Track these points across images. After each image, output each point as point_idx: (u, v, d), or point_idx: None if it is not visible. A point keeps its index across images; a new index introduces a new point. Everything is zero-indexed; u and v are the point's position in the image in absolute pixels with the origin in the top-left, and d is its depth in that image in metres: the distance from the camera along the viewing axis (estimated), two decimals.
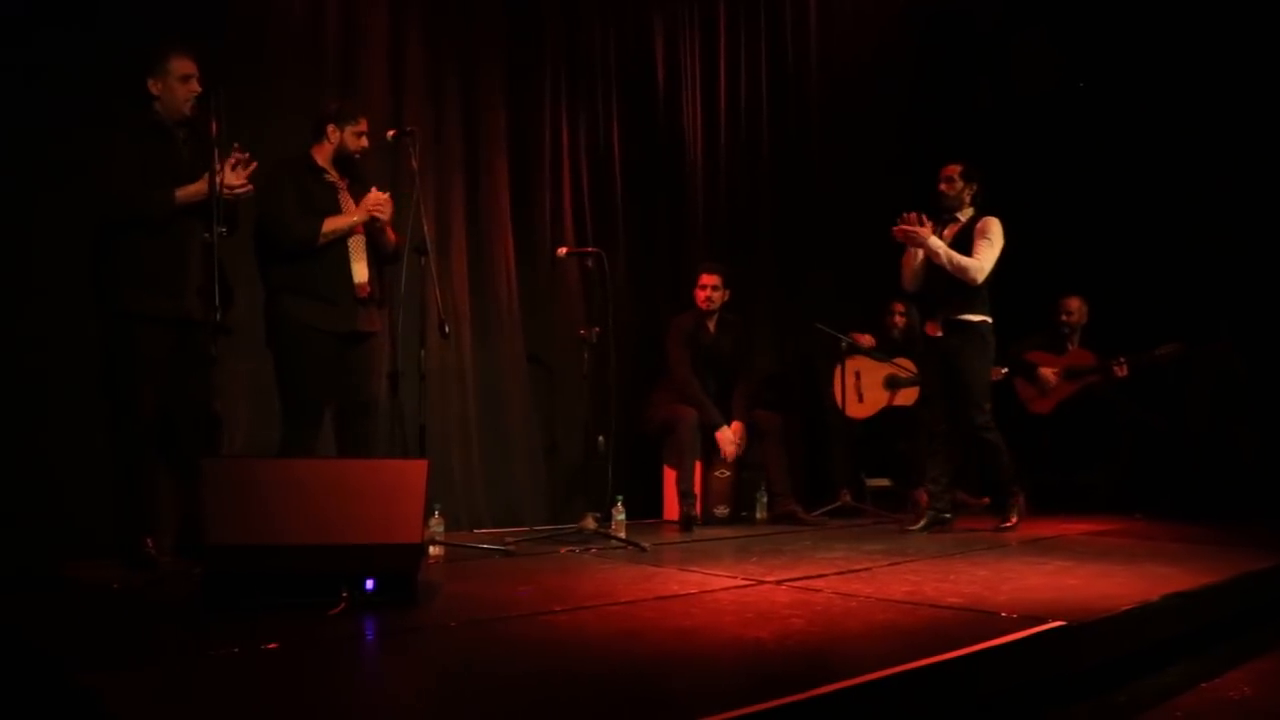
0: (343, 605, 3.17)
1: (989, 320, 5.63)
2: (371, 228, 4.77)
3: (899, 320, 7.32)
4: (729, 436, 6.29)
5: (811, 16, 8.15)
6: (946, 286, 5.59)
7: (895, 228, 5.57)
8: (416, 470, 3.34)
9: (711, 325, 6.50)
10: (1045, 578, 3.89)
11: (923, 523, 5.63)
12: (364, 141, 4.83)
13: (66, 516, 4.38)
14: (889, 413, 7.15)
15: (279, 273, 4.68)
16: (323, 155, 4.81)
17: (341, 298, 4.70)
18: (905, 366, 7.09)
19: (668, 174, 7.31)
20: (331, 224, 4.67)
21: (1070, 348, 7.15)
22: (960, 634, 2.82)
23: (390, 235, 4.85)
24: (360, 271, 4.76)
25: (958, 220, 5.71)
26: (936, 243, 5.53)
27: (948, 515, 5.68)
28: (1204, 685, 3.17)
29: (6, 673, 2.98)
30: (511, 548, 4.92)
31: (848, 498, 6.81)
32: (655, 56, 7.29)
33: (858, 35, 8.35)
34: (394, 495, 3.28)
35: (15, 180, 4.44)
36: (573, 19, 6.84)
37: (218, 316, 3.95)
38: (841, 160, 7.84)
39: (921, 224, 5.53)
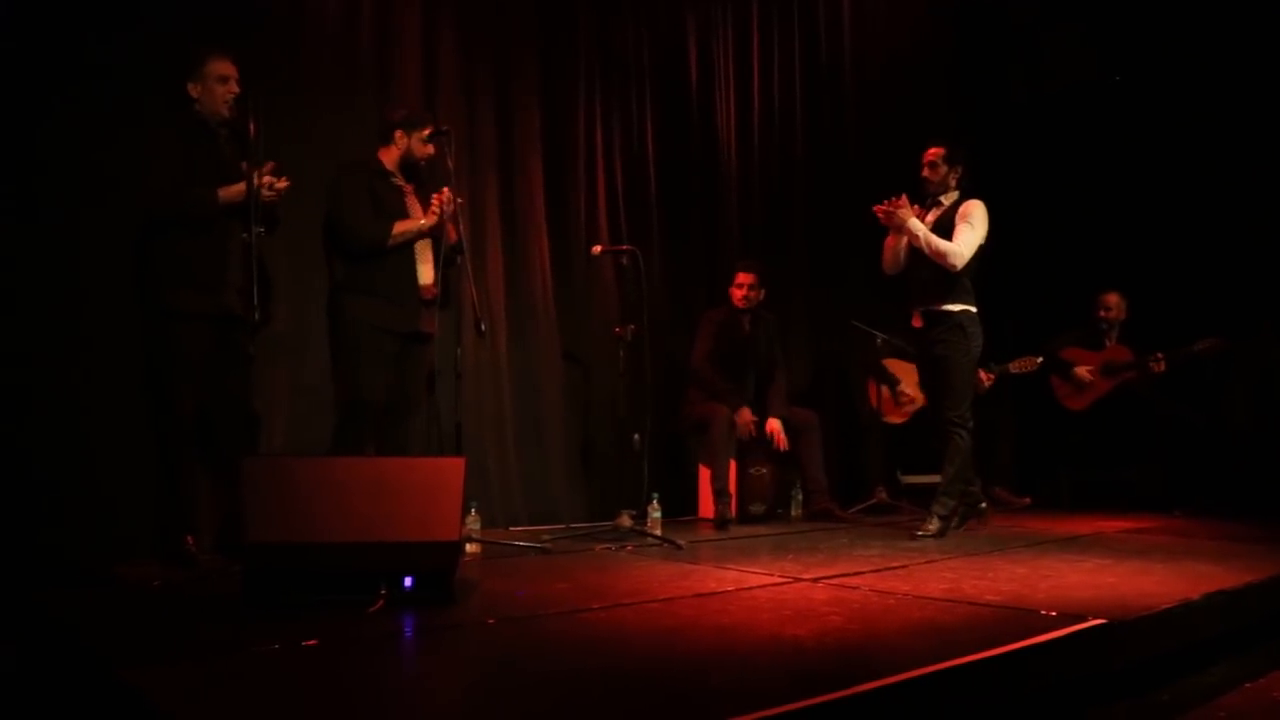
0: (381, 602, 3.19)
1: (971, 310, 5.33)
2: (437, 228, 4.81)
3: None
4: (749, 416, 6.28)
5: (845, 14, 8.12)
6: (928, 274, 5.32)
7: (876, 207, 5.30)
8: (454, 468, 3.36)
9: (746, 323, 6.49)
10: (1084, 575, 3.86)
11: (954, 521, 5.41)
12: (430, 148, 4.92)
13: (111, 516, 4.42)
14: (925, 411, 7.12)
15: (346, 272, 4.77)
16: (390, 159, 4.91)
17: (407, 298, 4.79)
18: None
19: (702, 173, 7.30)
20: (402, 227, 4.75)
21: (1108, 343, 7.09)
22: (1000, 632, 2.81)
23: (451, 233, 4.86)
24: (426, 273, 4.84)
25: (940, 204, 5.43)
26: (917, 224, 5.26)
27: (983, 505, 5.59)
28: (1248, 685, 3.15)
29: (56, 668, 3.02)
30: (547, 545, 4.93)
31: (883, 495, 6.79)
32: (689, 55, 7.29)
33: (891, 32, 8.33)
34: (432, 493, 3.29)
35: (59, 180, 4.48)
36: (606, 19, 6.85)
37: (256, 316, 4.00)
38: (876, 157, 7.80)
39: (905, 205, 5.27)
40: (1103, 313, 7.10)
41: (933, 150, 5.46)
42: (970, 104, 8.57)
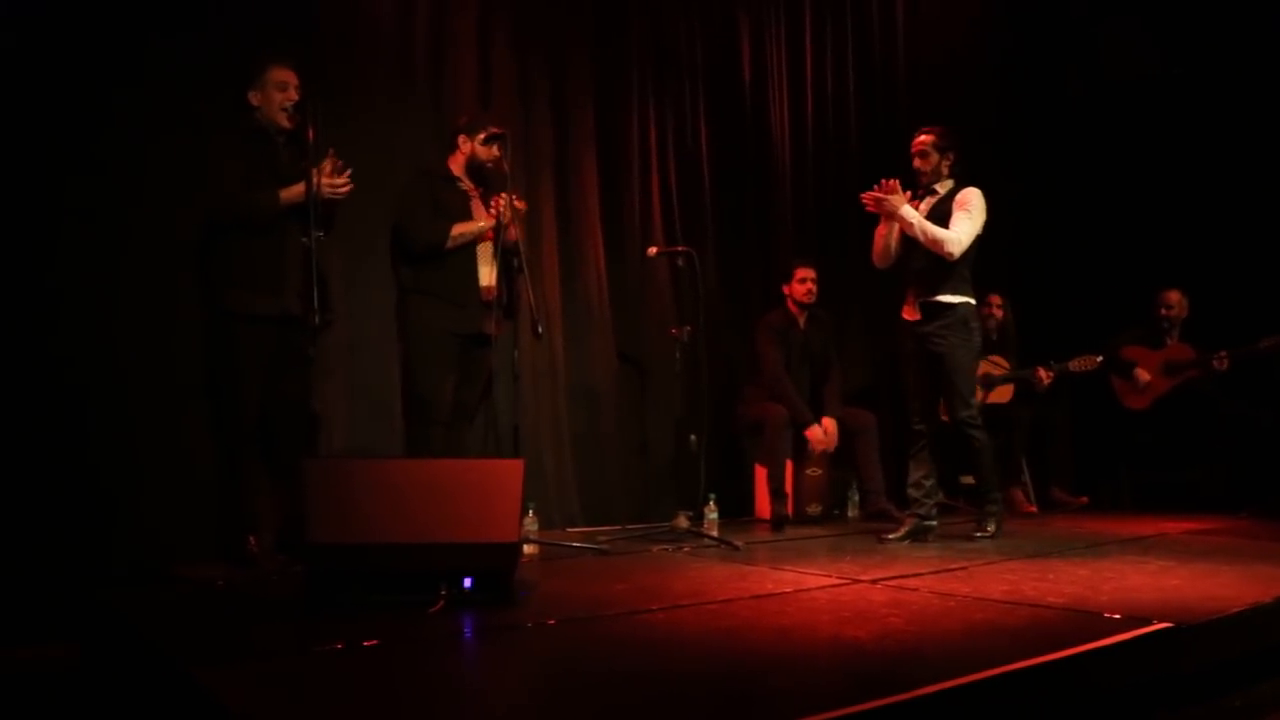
0: (441, 603, 3.21)
1: (971, 302, 5.06)
2: (498, 230, 4.84)
3: (996, 313, 7.21)
4: (819, 433, 6.25)
5: (898, 10, 8.07)
6: (923, 263, 5.05)
7: (864, 194, 5.05)
8: (513, 470, 3.37)
9: (802, 322, 6.48)
10: (1148, 578, 3.80)
11: (903, 531, 5.10)
12: (495, 151, 4.97)
13: (174, 516, 4.48)
14: (983, 410, 7.04)
15: (410, 275, 4.88)
16: (456, 165, 5.03)
17: (468, 300, 4.87)
18: (999, 363, 7.00)
19: (756, 171, 7.28)
20: (460, 229, 4.84)
21: (1169, 342, 7.00)
22: (1063, 634, 2.77)
23: (513, 234, 4.85)
24: (486, 275, 4.90)
25: (935, 193, 5.13)
26: (909, 212, 4.96)
27: (932, 523, 5.17)
28: None
29: (121, 665, 3.07)
30: (605, 546, 4.94)
31: (940, 495, 6.72)
32: (741, 54, 7.28)
33: (945, 27, 8.27)
34: (491, 495, 3.30)
35: (116, 181, 4.55)
36: (659, 17, 6.85)
37: (316, 319, 4.04)
38: None
39: (896, 191, 4.99)
40: (1164, 311, 7.00)
41: (922, 137, 5.17)
42: (1026, 99, 8.48)
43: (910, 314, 5.17)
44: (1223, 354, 6.64)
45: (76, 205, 4.44)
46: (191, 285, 4.51)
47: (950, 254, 4.93)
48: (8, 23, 4.31)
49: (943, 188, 5.15)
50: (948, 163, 5.14)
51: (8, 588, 3.95)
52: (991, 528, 5.14)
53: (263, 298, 4.34)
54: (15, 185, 4.33)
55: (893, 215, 5.05)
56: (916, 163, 5.16)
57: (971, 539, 5.08)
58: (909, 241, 5.10)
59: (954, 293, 5.02)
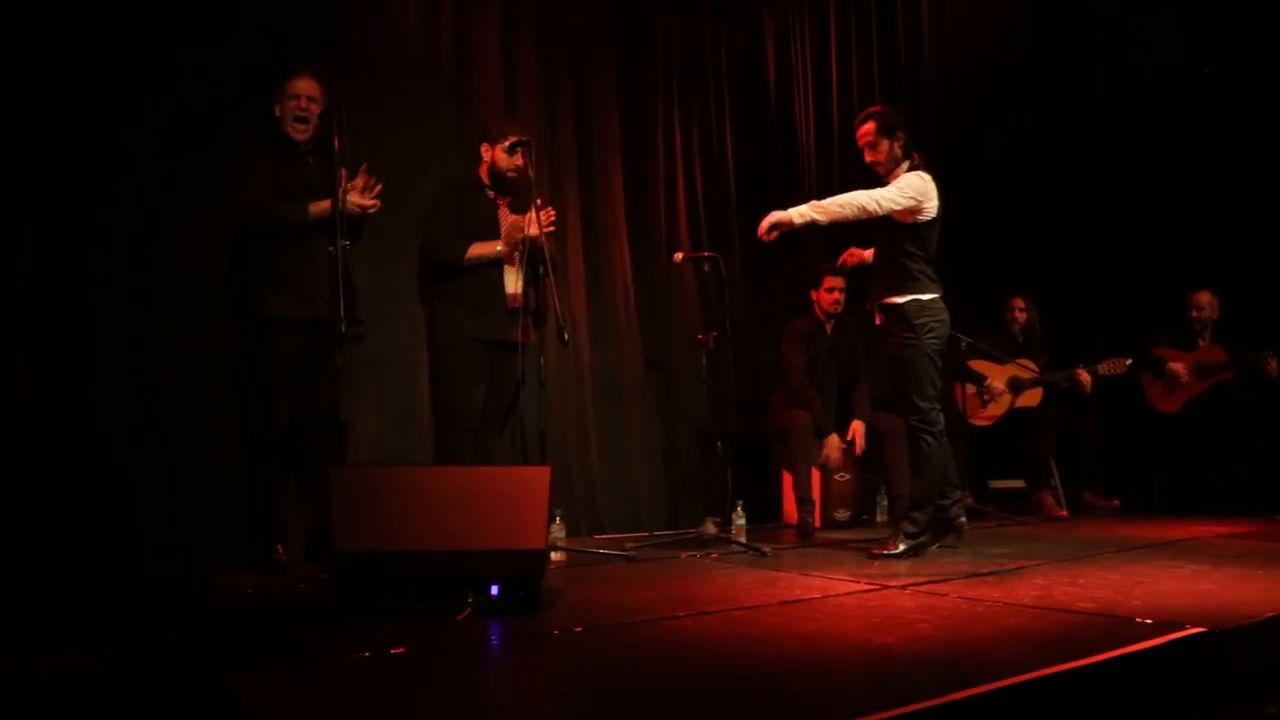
0: (469, 610, 3.21)
1: (921, 299, 4.66)
2: (536, 247, 4.85)
3: (1019, 316, 7.17)
4: (836, 444, 6.19)
5: (923, 14, 8.04)
6: (877, 263, 4.88)
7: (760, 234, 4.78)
8: (539, 477, 3.38)
9: (829, 328, 6.44)
10: (1180, 582, 3.77)
11: (900, 547, 4.66)
12: (517, 159, 4.96)
13: (204, 524, 4.51)
14: (1012, 414, 7.00)
15: (437, 283, 4.97)
16: (484, 173, 5.05)
17: (491, 305, 4.90)
18: (1027, 366, 6.94)
19: (782, 176, 7.24)
20: (477, 250, 4.88)
21: (1201, 344, 6.94)
22: (1094, 639, 2.75)
23: (543, 244, 4.82)
24: (512, 283, 4.95)
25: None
26: (792, 211, 4.63)
27: (961, 520, 4.87)
28: None
29: (152, 671, 3.09)
30: (632, 553, 4.94)
31: (970, 500, 6.69)
32: (766, 57, 7.26)
33: (971, 28, 8.26)
34: (517, 502, 3.31)
35: (149, 189, 4.59)
36: (684, 22, 6.84)
37: (344, 327, 4.06)
38: (957, 156, 7.69)
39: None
40: (1194, 313, 6.94)
41: (863, 129, 4.81)
42: (1053, 101, 8.44)
43: (876, 319, 4.94)
44: (1269, 355, 6.54)
45: (108, 212, 4.48)
46: (222, 293, 4.55)
47: (878, 204, 4.59)
48: (40, 32, 4.35)
49: (899, 174, 4.75)
50: (899, 144, 4.76)
51: (42, 594, 3.99)
52: (900, 547, 4.65)
53: (292, 302, 4.38)
54: (48, 192, 4.37)
55: (786, 224, 4.69)
56: (868, 156, 4.82)
57: (872, 556, 4.66)
58: (875, 243, 4.97)
59: (903, 292, 4.71)
